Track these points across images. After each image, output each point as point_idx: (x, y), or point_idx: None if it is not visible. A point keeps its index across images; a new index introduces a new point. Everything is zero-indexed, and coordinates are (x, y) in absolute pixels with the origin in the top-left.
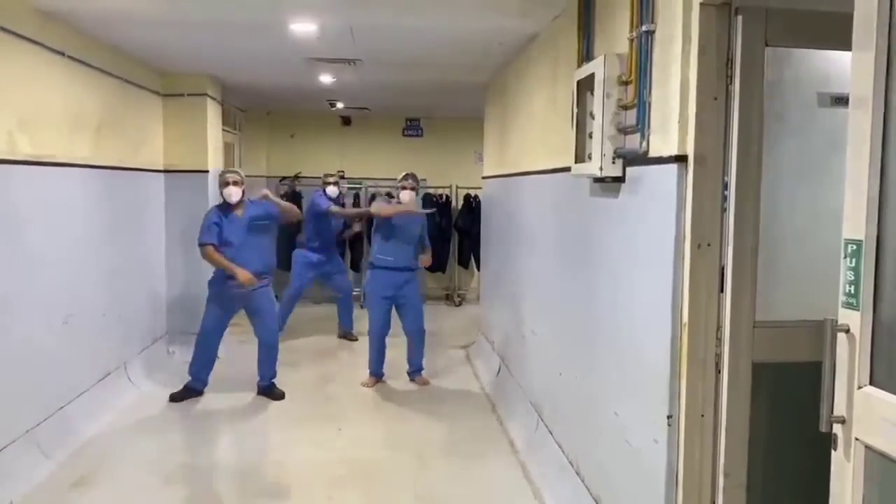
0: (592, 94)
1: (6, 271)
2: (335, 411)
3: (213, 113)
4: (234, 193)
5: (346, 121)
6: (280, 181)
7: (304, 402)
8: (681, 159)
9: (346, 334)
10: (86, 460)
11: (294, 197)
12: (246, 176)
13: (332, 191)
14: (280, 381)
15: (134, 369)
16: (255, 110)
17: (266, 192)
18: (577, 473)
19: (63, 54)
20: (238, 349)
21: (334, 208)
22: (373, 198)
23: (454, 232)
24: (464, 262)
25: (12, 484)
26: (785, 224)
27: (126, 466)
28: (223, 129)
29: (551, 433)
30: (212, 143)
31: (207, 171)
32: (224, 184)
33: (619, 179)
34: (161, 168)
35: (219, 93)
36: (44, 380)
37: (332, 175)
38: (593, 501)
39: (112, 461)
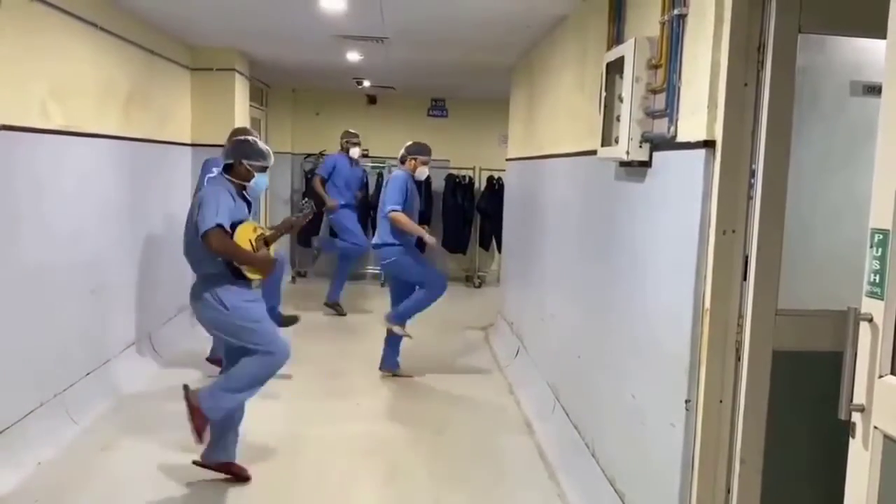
0: (621, 77)
1: (37, 239)
2: (355, 386)
3: (240, 88)
4: None
5: (372, 100)
6: (304, 158)
7: (323, 376)
8: (709, 145)
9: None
10: (112, 426)
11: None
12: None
13: (354, 152)
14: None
15: (158, 339)
16: (281, 87)
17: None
18: (593, 455)
19: (96, 25)
20: None
21: (318, 182)
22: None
23: (476, 214)
24: (485, 245)
25: (40, 447)
26: (811, 213)
27: (151, 433)
28: (250, 105)
29: (568, 415)
30: (239, 118)
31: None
32: None
33: (646, 164)
34: (188, 142)
35: (247, 68)
36: (71, 346)
37: (356, 135)
38: (608, 483)
39: (138, 427)
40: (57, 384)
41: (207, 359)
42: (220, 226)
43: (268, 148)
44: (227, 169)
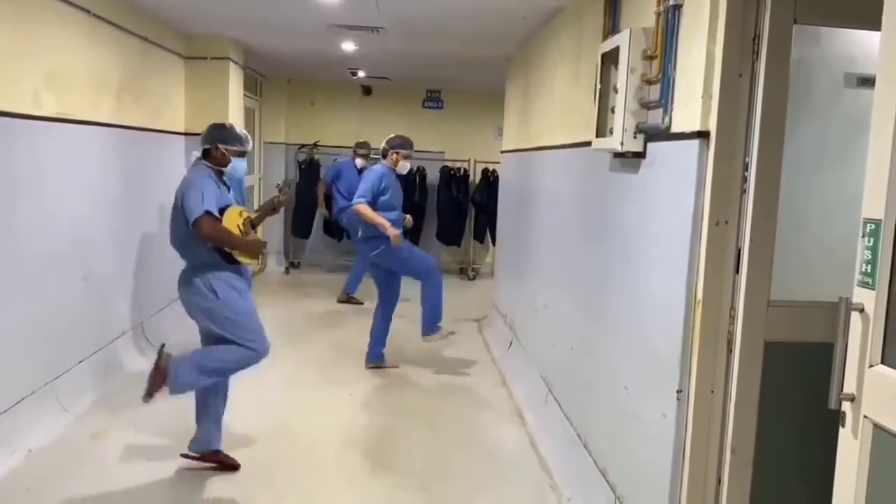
0: (616, 68)
1: (28, 227)
2: (347, 377)
3: (235, 77)
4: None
5: (367, 90)
6: (299, 149)
7: (317, 366)
8: (703, 136)
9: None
10: (103, 414)
11: (311, 167)
12: (265, 143)
13: (360, 162)
14: (295, 346)
15: (150, 328)
16: (276, 77)
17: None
18: (585, 446)
19: (89, 12)
20: None
21: (319, 186)
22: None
23: (471, 206)
24: (479, 237)
25: (31, 434)
26: (804, 205)
27: (142, 422)
28: (245, 95)
29: (560, 406)
30: (233, 107)
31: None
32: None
33: (640, 155)
34: (182, 131)
35: (241, 57)
36: (63, 334)
37: (364, 147)
38: (600, 474)
39: (129, 416)
40: (48, 372)
41: None
42: (208, 212)
43: (245, 133)
44: (206, 154)
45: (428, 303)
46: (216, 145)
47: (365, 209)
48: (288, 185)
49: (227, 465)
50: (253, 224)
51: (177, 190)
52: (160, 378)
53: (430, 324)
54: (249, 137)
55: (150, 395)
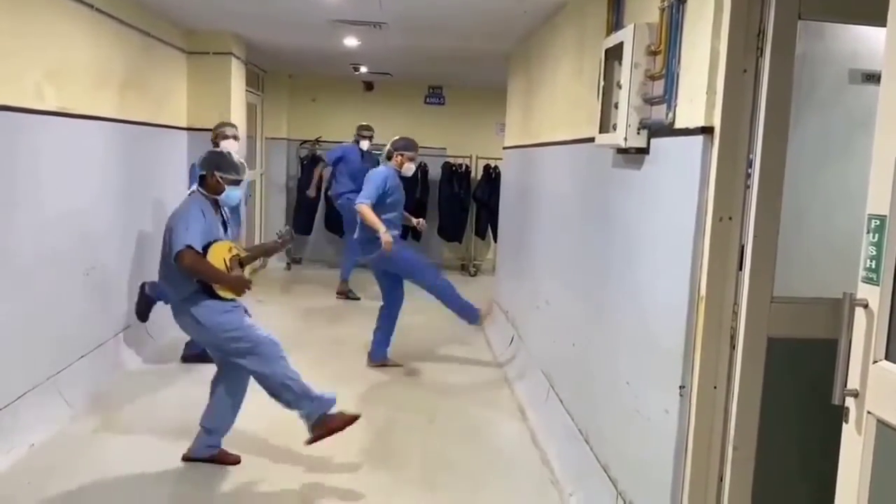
0: (620, 63)
1: (31, 221)
2: (349, 372)
3: (237, 72)
4: (233, 148)
5: (369, 86)
6: (300, 144)
7: (319, 362)
8: (707, 131)
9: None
10: (105, 408)
11: (313, 162)
12: (267, 138)
13: (364, 144)
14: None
15: (152, 323)
16: (278, 72)
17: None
18: (586, 441)
19: (91, 6)
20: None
21: (318, 168)
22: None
23: (472, 202)
24: (480, 233)
25: (33, 429)
26: (807, 201)
27: (144, 416)
28: (247, 90)
29: (561, 401)
30: (235, 102)
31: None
32: (223, 137)
33: (643, 151)
34: (184, 126)
35: (243, 52)
36: (65, 329)
37: (369, 129)
38: (601, 469)
39: (130, 411)
40: (50, 366)
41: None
42: (189, 246)
43: (242, 162)
44: (202, 181)
45: (452, 304)
46: (212, 172)
47: (367, 211)
48: (290, 234)
49: (229, 461)
50: (241, 262)
51: (168, 220)
52: (324, 425)
53: (470, 313)
54: (246, 167)
55: (335, 430)
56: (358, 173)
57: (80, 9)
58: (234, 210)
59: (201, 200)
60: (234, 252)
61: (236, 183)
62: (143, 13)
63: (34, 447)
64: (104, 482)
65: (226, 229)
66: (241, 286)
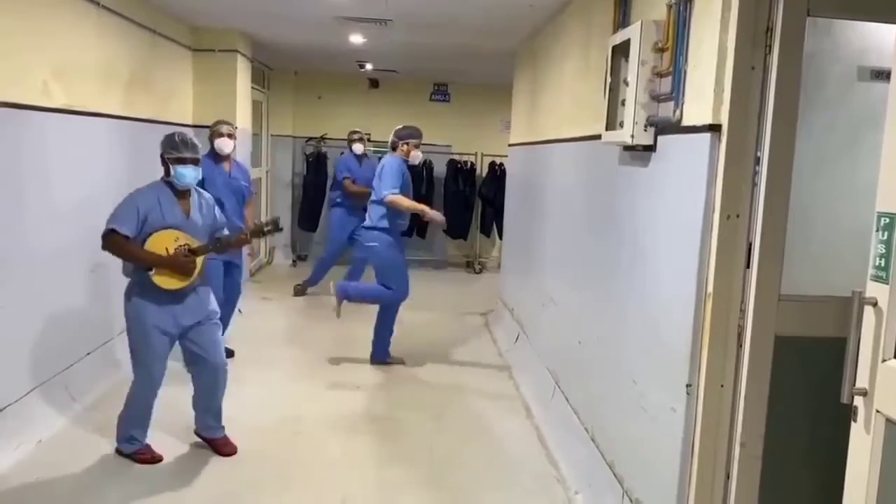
0: (627, 60)
1: (38, 218)
2: (353, 370)
3: (242, 70)
4: (226, 145)
5: (374, 83)
6: (306, 142)
7: (323, 359)
8: (714, 129)
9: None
10: (112, 405)
11: (319, 160)
12: (272, 135)
13: (357, 148)
14: (302, 338)
15: None
16: (283, 69)
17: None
18: (593, 439)
19: (98, 4)
20: (260, 306)
21: (348, 184)
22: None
23: (478, 199)
24: (486, 231)
25: (41, 425)
26: (816, 198)
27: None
28: (252, 87)
29: (567, 400)
30: (241, 100)
31: (237, 129)
32: (218, 135)
33: (650, 148)
34: (190, 123)
35: (249, 50)
36: (72, 326)
37: (357, 132)
38: (607, 467)
39: None
40: (58, 363)
41: None
42: (113, 230)
43: (189, 139)
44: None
45: (373, 290)
46: (161, 156)
47: (400, 199)
48: (278, 226)
49: (223, 451)
50: (194, 252)
51: None
52: None
53: (345, 290)
54: (195, 144)
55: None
56: (359, 180)
57: (87, 7)
58: (240, 202)
59: (158, 187)
60: (183, 242)
61: (182, 161)
62: (150, 11)
63: (42, 443)
64: (111, 478)
65: (216, 219)
66: (170, 265)
